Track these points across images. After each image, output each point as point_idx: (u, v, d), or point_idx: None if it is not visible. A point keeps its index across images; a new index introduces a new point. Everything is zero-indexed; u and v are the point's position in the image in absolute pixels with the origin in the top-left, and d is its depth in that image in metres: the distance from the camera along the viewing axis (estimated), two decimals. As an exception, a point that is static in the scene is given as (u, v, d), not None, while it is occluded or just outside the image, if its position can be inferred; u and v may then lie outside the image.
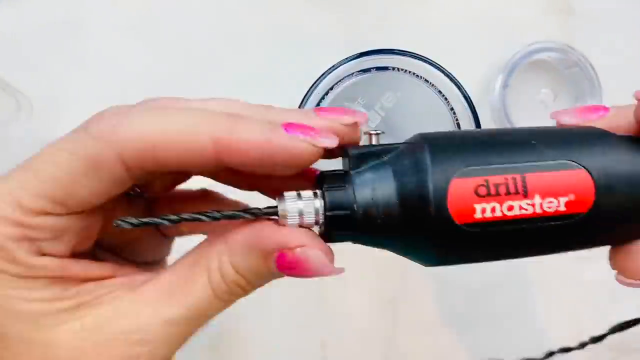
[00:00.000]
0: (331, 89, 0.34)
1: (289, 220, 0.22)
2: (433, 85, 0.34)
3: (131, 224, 0.21)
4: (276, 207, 0.22)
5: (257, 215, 0.22)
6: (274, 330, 0.51)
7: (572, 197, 0.22)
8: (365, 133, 0.24)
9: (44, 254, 0.22)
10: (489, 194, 0.21)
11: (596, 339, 0.33)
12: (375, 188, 0.22)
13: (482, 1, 0.51)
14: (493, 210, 0.21)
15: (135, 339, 0.22)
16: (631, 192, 0.22)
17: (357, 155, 0.23)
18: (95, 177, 0.21)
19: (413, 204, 0.22)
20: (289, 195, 0.22)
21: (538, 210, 0.22)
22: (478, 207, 0.21)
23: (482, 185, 0.21)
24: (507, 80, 0.49)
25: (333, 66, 0.33)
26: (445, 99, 0.34)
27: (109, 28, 0.50)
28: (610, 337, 0.52)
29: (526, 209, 0.22)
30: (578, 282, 0.50)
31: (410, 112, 0.35)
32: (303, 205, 0.22)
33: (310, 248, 0.22)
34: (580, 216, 0.22)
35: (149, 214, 0.27)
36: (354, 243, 0.24)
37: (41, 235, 0.21)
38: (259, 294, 0.53)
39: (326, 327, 0.52)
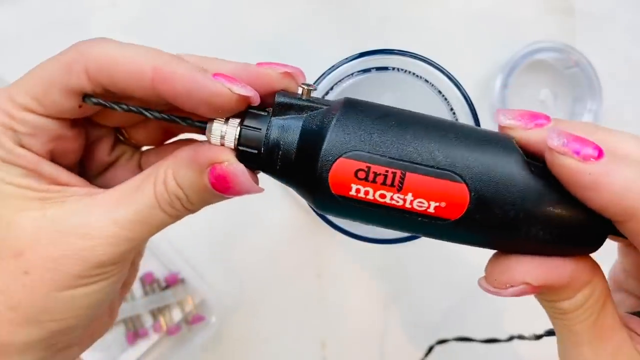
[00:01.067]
0: (331, 89, 0.34)
1: (212, 138, 0.25)
2: (433, 85, 0.34)
3: (93, 102, 0.25)
4: (205, 123, 0.25)
5: (189, 124, 0.26)
6: (274, 330, 0.51)
7: (443, 204, 0.23)
8: (300, 85, 0.26)
9: (23, 147, 0.25)
10: (366, 179, 0.24)
11: (550, 332, 0.34)
12: (283, 137, 0.25)
13: (482, 1, 0.51)
14: (367, 193, 0.24)
15: (82, 233, 0.25)
16: (503, 214, 0.23)
17: (281, 103, 0.26)
18: (66, 79, 0.25)
19: (303, 163, 0.24)
20: (219, 118, 0.25)
21: (408, 205, 0.24)
22: (354, 187, 0.24)
23: (363, 170, 0.24)
24: (507, 80, 0.49)
25: (333, 66, 0.33)
26: (445, 99, 0.34)
27: (109, 28, 0.50)
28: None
29: (397, 201, 0.24)
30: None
31: (410, 112, 0.35)
32: (226, 129, 0.25)
33: (236, 163, 0.25)
34: (447, 222, 0.24)
35: (136, 160, 0.30)
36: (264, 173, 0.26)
37: (23, 129, 0.25)
38: (259, 294, 0.53)
39: (326, 327, 0.52)
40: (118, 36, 0.53)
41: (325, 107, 0.25)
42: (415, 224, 0.24)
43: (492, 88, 0.50)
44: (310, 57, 0.50)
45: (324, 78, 0.33)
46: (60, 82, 0.25)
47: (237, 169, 0.25)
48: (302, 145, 0.25)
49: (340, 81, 0.34)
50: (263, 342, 0.52)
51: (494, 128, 0.46)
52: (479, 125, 0.34)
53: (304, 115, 0.25)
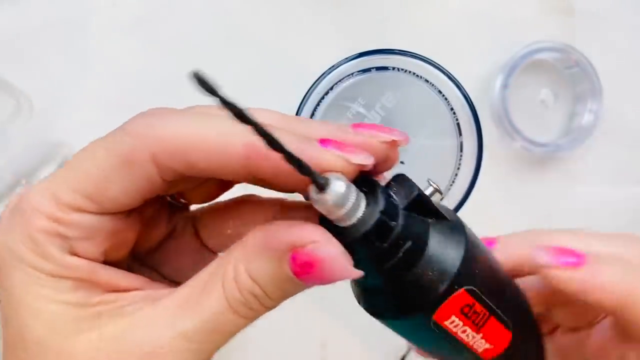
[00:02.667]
0: (331, 89, 0.34)
1: (331, 199, 0.19)
2: (433, 85, 0.34)
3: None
4: (326, 180, 0.19)
5: (304, 171, 0.19)
6: (274, 330, 0.51)
7: (491, 346, 0.24)
8: (430, 184, 0.24)
9: (75, 254, 0.21)
10: (466, 315, 0.23)
11: None
12: (413, 230, 0.22)
13: (482, 1, 0.51)
14: (456, 326, 0.23)
15: (148, 352, 0.21)
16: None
17: (417, 198, 0.22)
18: (127, 174, 0.21)
19: (428, 273, 0.22)
20: (339, 176, 0.20)
21: (471, 342, 0.24)
22: (454, 319, 0.23)
23: (469, 306, 0.23)
24: (507, 80, 0.49)
25: (333, 66, 0.33)
26: (445, 99, 0.34)
27: (110, 28, 0.50)
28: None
29: (466, 337, 0.23)
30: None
31: (410, 112, 0.35)
32: (354, 196, 0.20)
33: (323, 245, 0.20)
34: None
35: (191, 227, 0.27)
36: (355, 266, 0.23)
37: (74, 234, 0.21)
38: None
39: (326, 327, 0.52)
40: (118, 36, 0.53)
41: (446, 222, 0.23)
42: (452, 352, 0.24)
43: (492, 88, 0.50)
44: (310, 57, 0.50)
45: (324, 78, 0.33)
46: (119, 178, 0.21)
47: (332, 253, 0.19)
48: (432, 252, 0.22)
49: (340, 81, 0.34)
50: (263, 342, 0.51)
51: (492, 127, 0.47)
52: (479, 126, 0.34)
53: (429, 220, 0.23)
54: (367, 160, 0.21)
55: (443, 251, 0.22)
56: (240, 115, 0.17)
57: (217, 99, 0.16)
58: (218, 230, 0.26)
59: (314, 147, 0.20)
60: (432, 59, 0.33)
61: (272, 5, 0.50)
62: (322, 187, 0.19)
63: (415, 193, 0.22)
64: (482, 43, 0.52)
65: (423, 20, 0.51)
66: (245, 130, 0.19)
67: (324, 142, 0.21)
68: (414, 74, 0.34)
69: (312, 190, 0.20)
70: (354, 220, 0.20)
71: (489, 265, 0.24)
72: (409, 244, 0.21)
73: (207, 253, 0.28)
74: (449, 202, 0.33)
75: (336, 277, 0.20)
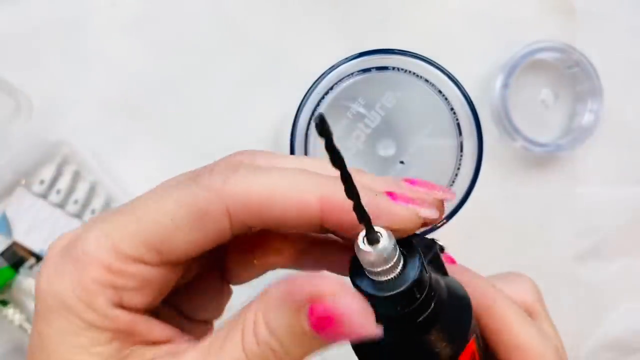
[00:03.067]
0: (331, 89, 0.34)
1: (378, 253, 0.20)
2: (433, 85, 0.34)
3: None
4: (378, 235, 0.20)
5: (366, 222, 0.19)
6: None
7: None
8: (436, 241, 0.25)
9: (121, 305, 0.21)
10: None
11: None
12: (439, 286, 0.23)
13: (482, 1, 0.51)
14: None
15: None
16: None
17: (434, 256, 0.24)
18: (198, 227, 0.21)
19: (446, 332, 0.23)
20: (391, 235, 0.21)
21: None
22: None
23: (473, 352, 0.24)
24: (507, 80, 0.49)
25: (333, 66, 0.33)
26: (445, 99, 0.34)
27: (109, 28, 0.50)
28: (610, 337, 0.52)
29: None
30: (576, 283, 0.50)
31: (410, 112, 0.35)
32: (397, 255, 0.21)
33: (343, 297, 0.18)
34: None
35: (214, 261, 0.27)
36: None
37: (128, 284, 0.21)
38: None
39: (326, 327, 0.52)
40: (118, 36, 0.53)
41: (446, 276, 0.25)
42: None
43: (492, 88, 0.50)
44: (310, 57, 0.50)
45: (324, 78, 0.33)
46: (189, 230, 0.21)
47: (351, 306, 0.18)
48: (450, 303, 0.23)
49: (340, 81, 0.34)
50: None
51: (492, 127, 0.46)
52: (479, 126, 0.34)
53: (441, 275, 0.24)
54: (434, 215, 0.22)
55: (457, 304, 0.23)
56: (337, 160, 0.18)
57: (326, 142, 0.17)
58: (243, 261, 0.26)
59: (387, 202, 0.21)
60: (432, 59, 0.33)
61: (271, 5, 0.50)
62: (374, 240, 0.20)
63: (435, 251, 0.23)
64: (482, 43, 0.52)
65: (423, 20, 0.51)
66: (317, 182, 0.20)
67: (391, 195, 0.21)
68: (414, 74, 0.34)
69: (360, 239, 0.20)
70: (389, 277, 0.21)
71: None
72: (433, 304, 0.22)
73: (227, 288, 0.27)
74: (449, 203, 0.33)
75: (355, 332, 0.18)
